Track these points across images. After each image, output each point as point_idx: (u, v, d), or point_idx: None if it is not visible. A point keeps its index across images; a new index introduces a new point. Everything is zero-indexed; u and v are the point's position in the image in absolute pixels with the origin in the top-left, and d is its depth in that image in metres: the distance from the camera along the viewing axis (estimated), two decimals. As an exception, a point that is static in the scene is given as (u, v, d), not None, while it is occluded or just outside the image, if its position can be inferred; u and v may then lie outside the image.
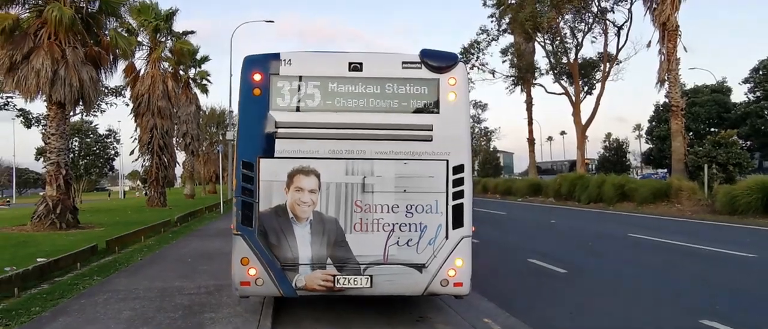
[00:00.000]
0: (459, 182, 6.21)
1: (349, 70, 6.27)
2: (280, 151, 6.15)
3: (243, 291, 6.26)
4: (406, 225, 6.19)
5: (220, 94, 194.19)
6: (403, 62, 6.32)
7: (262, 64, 6.22)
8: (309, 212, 6.13)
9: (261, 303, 7.32)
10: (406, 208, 6.20)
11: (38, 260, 10.07)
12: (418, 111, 6.31)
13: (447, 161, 6.23)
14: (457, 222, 6.21)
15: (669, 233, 14.64)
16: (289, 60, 6.25)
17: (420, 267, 6.14)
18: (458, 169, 6.23)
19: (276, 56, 6.27)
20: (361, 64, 6.27)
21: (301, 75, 6.25)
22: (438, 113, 6.28)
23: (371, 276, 6.12)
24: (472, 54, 42.48)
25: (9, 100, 31.63)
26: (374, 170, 6.19)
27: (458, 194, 6.21)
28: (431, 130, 6.23)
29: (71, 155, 25.85)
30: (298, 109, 6.24)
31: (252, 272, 6.05)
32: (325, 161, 6.16)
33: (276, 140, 6.14)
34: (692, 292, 8.28)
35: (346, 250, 6.15)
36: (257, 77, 6.19)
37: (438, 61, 6.31)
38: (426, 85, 6.30)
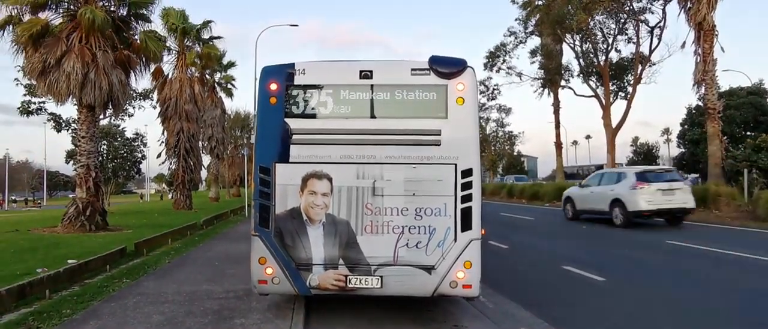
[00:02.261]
0: (467, 185, 6.33)
1: (360, 78, 6.50)
2: (295, 156, 6.43)
3: (261, 289, 6.55)
4: (415, 228, 6.35)
5: (245, 97, 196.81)
6: (412, 69, 6.49)
7: (277, 74, 6.55)
8: (322, 214, 6.39)
9: (291, 308, 7.16)
10: (415, 211, 6.35)
11: (69, 262, 10.12)
12: (426, 116, 6.44)
13: (455, 165, 6.35)
14: (466, 225, 6.31)
15: (710, 240, 13.98)
16: (303, 70, 6.56)
17: (429, 269, 6.27)
18: (467, 173, 6.34)
19: (291, 66, 6.57)
20: (371, 72, 6.50)
21: (314, 84, 6.55)
22: (446, 118, 6.41)
23: (382, 277, 6.30)
24: (499, 57, 41.93)
25: (41, 105, 32.41)
26: (384, 175, 6.39)
27: (467, 198, 6.32)
28: (440, 135, 6.38)
29: (100, 158, 26.23)
30: (311, 116, 6.54)
31: (269, 271, 6.36)
32: (337, 165, 6.41)
33: (291, 145, 6.44)
34: (742, 304, 7.77)
35: (357, 251, 6.35)
36: (273, 87, 6.52)
37: (446, 67, 6.44)
38: (435, 91, 6.45)
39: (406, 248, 6.33)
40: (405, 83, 6.49)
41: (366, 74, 6.50)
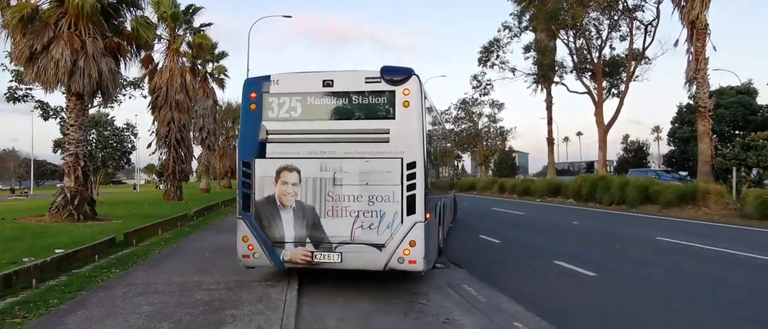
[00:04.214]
0: (412, 176, 7.28)
1: (323, 86, 7.61)
2: (270, 152, 7.61)
3: (245, 263, 7.83)
4: (368, 212, 7.35)
5: (238, 89, 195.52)
6: (366, 78, 7.51)
7: (256, 84, 7.75)
8: (292, 201, 7.52)
9: (283, 300, 7.11)
10: (368, 198, 7.35)
11: (56, 251, 9.98)
12: (378, 117, 7.48)
13: (402, 158, 7.30)
14: (411, 210, 7.27)
15: (699, 237, 14.12)
16: (277, 80, 7.71)
17: (380, 247, 7.28)
18: (411, 165, 7.29)
19: (267, 78, 7.73)
20: (332, 81, 7.60)
21: (285, 92, 7.68)
22: (394, 118, 7.40)
23: (341, 253, 7.38)
24: (493, 52, 41.92)
25: (28, 91, 31.84)
26: (343, 167, 7.44)
27: (411, 187, 7.28)
28: (388, 133, 7.36)
29: (89, 148, 25.85)
30: (284, 119, 7.65)
31: (250, 247, 7.61)
32: (304, 160, 7.52)
33: (267, 144, 7.62)
34: (732, 300, 7.84)
35: (321, 232, 7.46)
36: (253, 95, 7.72)
37: (394, 75, 7.43)
38: (384, 96, 7.47)
39: (361, 229, 7.34)
40: (360, 90, 7.54)
41: (328, 83, 7.59)
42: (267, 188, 7.56)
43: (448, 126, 56.21)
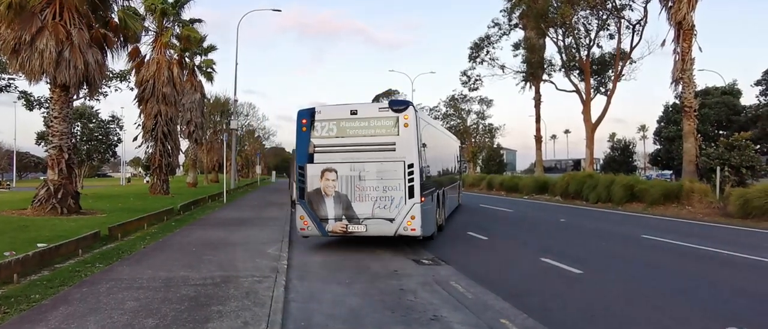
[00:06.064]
0: (411, 173, 10.73)
1: (351, 114, 11.11)
2: (317, 159, 11.13)
3: (302, 233, 11.46)
4: (383, 197, 10.83)
5: (226, 83, 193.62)
6: (379, 108, 11.12)
7: (306, 113, 11.27)
8: (332, 191, 11.01)
9: (270, 296, 7.06)
10: (383, 188, 10.83)
11: (39, 245, 9.83)
12: (387, 134, 10.92)
13: (404, 161, 10.75)
14: (411, 195, 10.73)
15: (684, 235, 14.30)
16: (320, 111, 11.29)
17: (391, 220, 10.79)
18: (410, 166, 10.75)
19: (313, 109, 11.30)
20: (357, 110, 11.12)
21: (326, 118, 11.18)
22: (398, 135, 10.86)
23: (366, 225, 10.88)
24: (483, 48, 42.02)
25: (11, 81, 31.21)
26: (365, 168, 10.88)
27: (411, 180, 10.73)
28: (395, 145, 10.84)
29: (74, 140, 25.43)
30: (325, 136, 11.13)
31: (305, 223, 11.17)
32: (340, 164, 11.00)
33: (314, 154, 11.15)
34: (715, 297, 7.94)
35: (352, 211, 10.93)
36: (304, 121, 11.21)
37: (398, 106, 11.01)
38: (392, 120, 10.93)
39: (379, 208, 10.82)
40: (375, 116, 11.04)
41: (354, 112, 11.10)
42: (315, 182, 11.06)
43: (437, 123, 56.36)
